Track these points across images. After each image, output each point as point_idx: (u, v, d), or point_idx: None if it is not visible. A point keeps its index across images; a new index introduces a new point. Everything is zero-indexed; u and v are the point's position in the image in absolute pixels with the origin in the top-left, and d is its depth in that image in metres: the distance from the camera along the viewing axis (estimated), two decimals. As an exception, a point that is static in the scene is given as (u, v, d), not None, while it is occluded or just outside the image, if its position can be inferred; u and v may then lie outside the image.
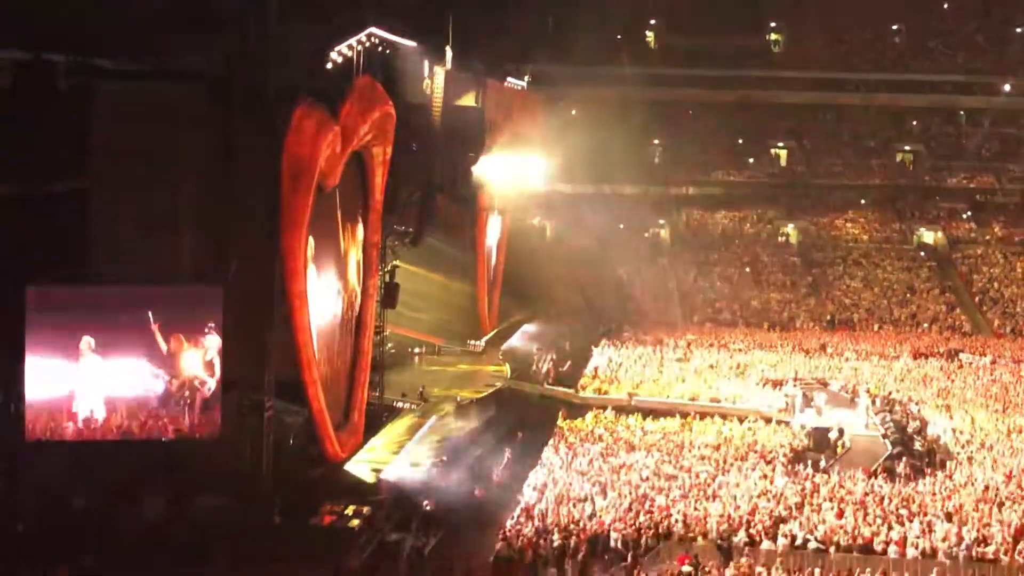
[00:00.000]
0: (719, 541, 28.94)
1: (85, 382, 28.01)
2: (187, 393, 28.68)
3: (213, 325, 28.73)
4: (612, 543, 28.99)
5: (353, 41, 36.58)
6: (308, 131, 29.34)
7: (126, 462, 28.19)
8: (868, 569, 26.94)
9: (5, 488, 28.15)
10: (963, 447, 38.36)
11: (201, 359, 28.76)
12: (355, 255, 35.76)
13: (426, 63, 46.17)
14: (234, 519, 28.21)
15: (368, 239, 36.59)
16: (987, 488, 33.05)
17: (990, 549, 28.34)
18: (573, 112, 70.76)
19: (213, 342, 28.79)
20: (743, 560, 27.48)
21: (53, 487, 27.97)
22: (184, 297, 28.99)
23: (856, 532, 29.34)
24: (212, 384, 28.88)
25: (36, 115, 29.30)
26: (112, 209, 29.06)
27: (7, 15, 30.60)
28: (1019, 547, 28.46)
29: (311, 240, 30.88)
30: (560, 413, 42.66)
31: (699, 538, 29.22)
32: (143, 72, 32.60)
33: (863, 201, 79.99)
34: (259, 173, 28.92)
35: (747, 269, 73.23)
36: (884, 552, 28.45)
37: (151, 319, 28.10)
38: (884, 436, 40.57)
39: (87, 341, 27.87)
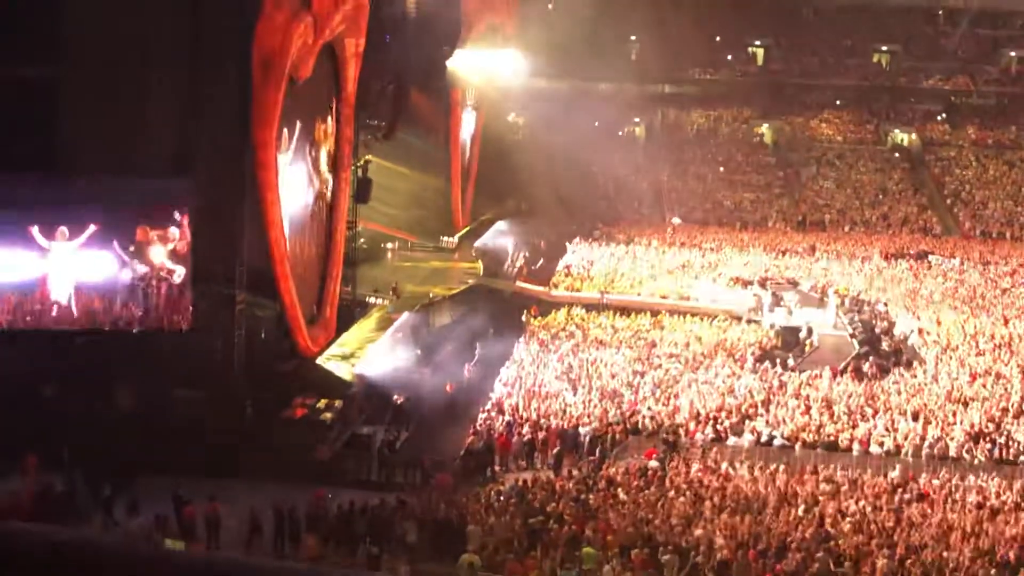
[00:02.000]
0: (664, 435, 29.35)
1: (55, 270, 27.82)
2: (154, 283, 28.53)
3: (180, 216, 28.47)
4: (581, 438, 29.35)
5: (326, -72, 35.67)
6: (279, 20, 28.80)
7: (96, 352, 28.13)
8: (832, 465, 27.41)
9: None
10: (929, 348, 38.83)
11: (168, 249, 28.57)
12: (327, 149, 35.38)
13: (400, -48, 45.18)
14: (206, 411, 28.36)
15: (341, 133, 36.17)
16: (951, 388, 33.54)
17: (952, 447, 28.88)
18: (550, 6, 69.75)
19: (179, 232, 28.57)
20: (709, 455, 27.94)
21: (23, 376, 27.93)
22: (153, 189, 28.60)
23: (821, 429, 29.80)
24: (180, 272, 28.70)
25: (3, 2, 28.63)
26: (80, 97, 28.51)
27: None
28: (980, 446, 29.02)
29: (283, 133, 30.53)
30: (530, 310, 42.88)
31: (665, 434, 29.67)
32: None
33: (838, 101, 79.71)
34: (229, 63, 28.45)
35: (721, 169, 73.15)
36: (849, 449, 28.96)
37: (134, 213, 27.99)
38: (852, 336, 41.04)
39: (62, 231, 27.64)
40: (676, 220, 61.41)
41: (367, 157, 40.29)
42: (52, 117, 28.38)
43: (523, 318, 42.09)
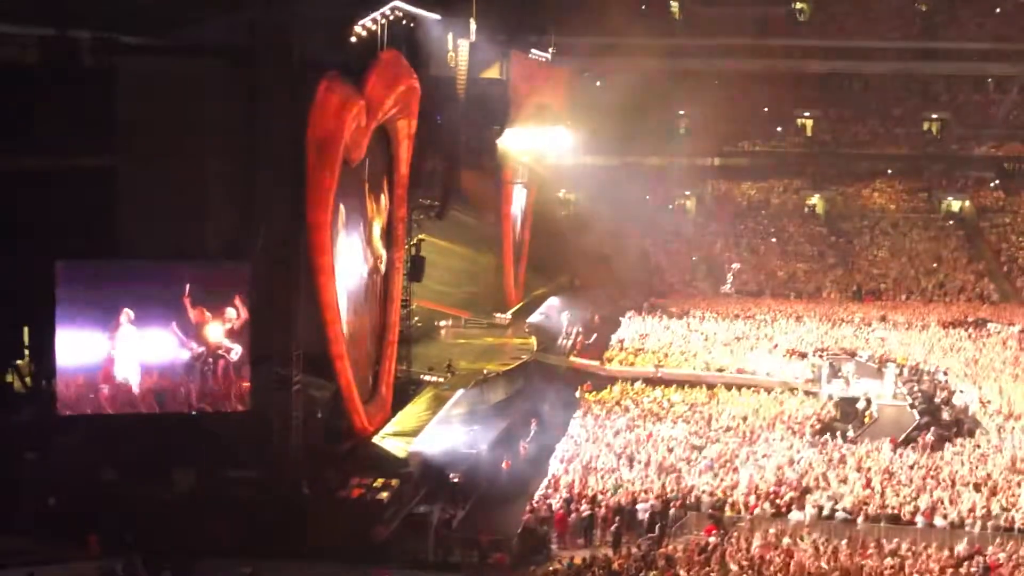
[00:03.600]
0: (710, 511, 28.98)
1: (120, 351, 28.26)
2: (210, 360, 28.91)
3: (237, 297, 28.89)
4: (639, 514, 29.08)
5: (377, 14, 36.30)
6: (333, 105, 29.32)
7: (156, 435, 28.47)
8: (895, 538, 26.91)
9: (37, 461, 28.45)
10: (991, 417, 38.19)
11: (225, 328, 28.97)
12: (381, 229, 35.81)
13: (450, 36, 45.85)
14: (263, 492, 28.45)
15: (394, 213, 36.62)
16: (1015, 458, 32.93)
17: (1018, 518, 28.28)
18: (598, 84, 70.38)
19: (236, 312, 28.97)
20: (770, 530, 27.55)
21: (84, 460, 28.28)
22: (211, 272, 29.13)
23: (883, 502, 29.33)
24: (237, 350, 29.05)
25: (62, 91, 29.42)
26: (138, 184, 29.15)
27: (32, -9, 30.76)
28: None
29: (338, 214, 30.95)
30: (583, 386, 42.74)
31: (726, 509, 29.30)
32: (168, 47, 32.63)
33: (890, 170, 79.28)
34: (284, 147, 28.89)
35: (773, 240, 72.91)
36: (911, 521, 28.45)
37: (185, 293, 28.43)
38: (911, 406, 40.52)
39: (127, 313, 28.10)
40: (736, 265, 61.13)
41: (420, 236, 40.70)
42: (109, 204, 29.04)
43: (577, 393, 41.96)
